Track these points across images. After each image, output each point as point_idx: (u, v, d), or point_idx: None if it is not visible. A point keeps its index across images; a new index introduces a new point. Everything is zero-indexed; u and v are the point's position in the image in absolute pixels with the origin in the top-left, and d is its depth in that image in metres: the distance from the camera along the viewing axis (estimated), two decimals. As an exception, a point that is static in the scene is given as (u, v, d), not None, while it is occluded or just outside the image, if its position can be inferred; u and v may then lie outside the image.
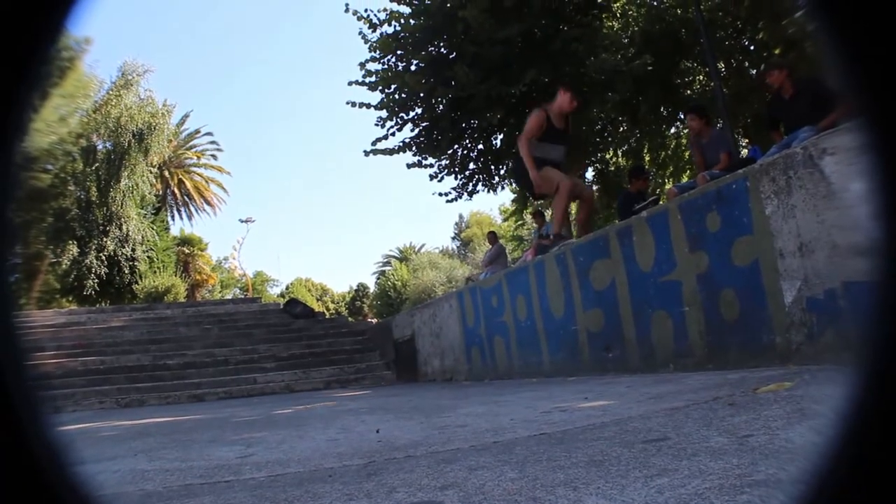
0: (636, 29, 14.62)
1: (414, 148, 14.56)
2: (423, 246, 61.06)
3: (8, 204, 0.69)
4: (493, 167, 15.38)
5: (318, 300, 58.91)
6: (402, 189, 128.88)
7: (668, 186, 15.90)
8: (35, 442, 0.62)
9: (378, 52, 14.16)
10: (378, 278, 58.55)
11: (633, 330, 6.27)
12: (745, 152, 11.77)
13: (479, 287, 9.70)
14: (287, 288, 60.24)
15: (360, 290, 64.27)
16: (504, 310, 8.71)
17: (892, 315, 0.60)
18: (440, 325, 10.76)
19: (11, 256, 0.72)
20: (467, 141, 14.77)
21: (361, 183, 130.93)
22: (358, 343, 15.09)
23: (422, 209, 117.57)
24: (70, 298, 29.42)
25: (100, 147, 29.88)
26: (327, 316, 24.65)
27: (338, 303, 63.72)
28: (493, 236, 15.36)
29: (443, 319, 10.66)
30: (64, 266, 28.34)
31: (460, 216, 61.73)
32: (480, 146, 14.91)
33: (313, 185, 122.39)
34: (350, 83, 14.27)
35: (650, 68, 13.20)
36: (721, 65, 13.76)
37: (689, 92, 15.33)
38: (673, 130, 16.99)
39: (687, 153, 16.60)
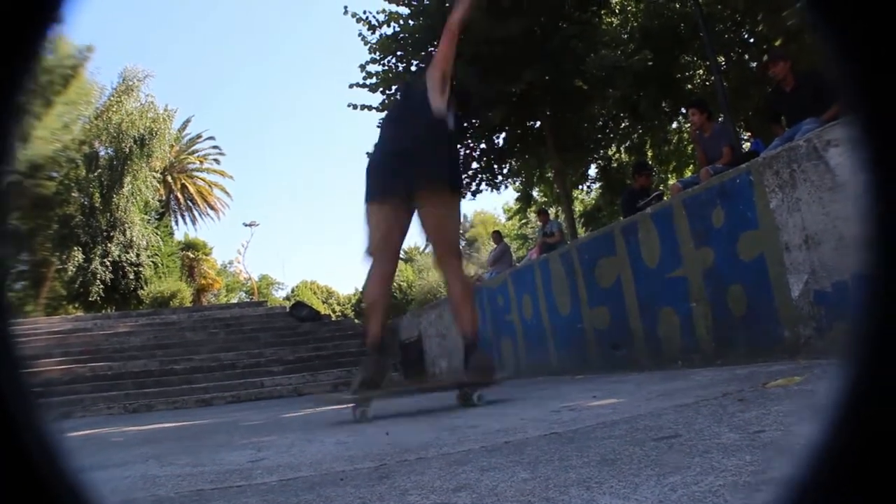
0: (635, 24, 14.63)
1: None
2: (427, 246, 61.07)
3: (3, 210, 0.68)
4: (495, 166, 15.39)
5: (323, 303, 58.91)
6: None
7: (671, 182, 15.90)
8: (34, 449, 0.61)
9: (378, 53, 14.19)
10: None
11: (641, 327, 6.28)
12: (747, 146, 11.77)
13: (485, 287, 9.69)
14: (292, 291, 60.27)
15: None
16: (510, 309, 8.71)
17: (883, 307, 0.60)
18: (447, 326, 10.74)
19: (10, 263, 0.71)
20: (469, 140, 14.78)
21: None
22: (364, 345, 15.08)
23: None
24: (76, 304, 29.50)
25: (102, 153, 29.98)
26: (333, 318, 24.68)
27: (343, 305, 63.64)
28: (497, 236, 15.36)
29: (447, 322, 10.64)
30: (69, 272, 28.41)
31: (464, 216, 61.72)
32: (483, 145, 14.92)
33: (317, 188, 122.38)
34: (351, 86, 14.31)
35: (650, 64, 13.21)
36: (721, 58, 13.75)
37: (689, 86, 15.33)
38: (675, 125, 17.00)
39: (689, 148, 16.60)
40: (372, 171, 4.93)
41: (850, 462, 0.59)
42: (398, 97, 4.96)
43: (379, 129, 5.16)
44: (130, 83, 30.40)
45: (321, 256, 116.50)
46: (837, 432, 0.60)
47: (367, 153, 5.10)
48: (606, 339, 6.86)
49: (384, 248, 4.89)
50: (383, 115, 14.26)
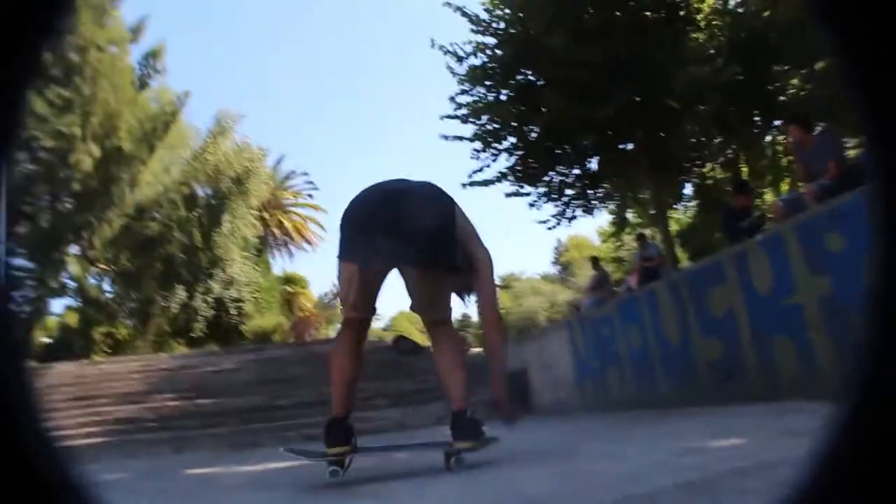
0: (722, 38, 14.30)
1: (511, 177, 14.60)
2: (522, 272, 60.67)
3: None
4: (590, 191, 15.31)
5: (421, 332, 58.95)
6: (500, 216, 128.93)
7: (767, 196, 15.48)
8: (35, 452, 0.62)
9: (467, 84, 14.32)
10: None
11: (754, 357, 6.10)
12: (854, 155, 11.32)
13: (590, 317, 9.61)
14: (390, 322, 60.66)
15: (464, 320, 63.97)
16: (616, 340, 8.59)
17: (885, 313, 0.64)
18: (551, 357, 10.67)
19: (18, 277, 0.70)
20: (563, 167, 14.74)
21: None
22: (467, 376, 15.01)
23: (519, 235, 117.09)
24: (180, 341, 30.44)
25: (200, 193, 31.06)
26: (427, 347, 24.75)
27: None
28: (595, 262, 15.24)
29: (553, 351, 10.57)
30: (173, 310, 29.36)
31: (558, 240, 60.98)
32: (576, 171, 14.86)
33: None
34: (442, 117, 14.47)
35: (740, 77, 12.92)
36: (819, 64, 13.29)
37: (782, 98, 14.86)
38: (769, 139, 16.53)
39: (786, 161, 16.11)
40: (353, 233, 4.38)
41: (850, 464, 0.61)
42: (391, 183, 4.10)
43: (364, 191, 4.50)
44: (225, 125, 31.48)
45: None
46: (839, 435, 0.63)
47: (349, 204, 4.43)
48: (717, 370, 6.69)
49: (361, 308, 4.45)
50: (475, 144, 14.40)
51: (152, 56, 30.94)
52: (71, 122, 27.63)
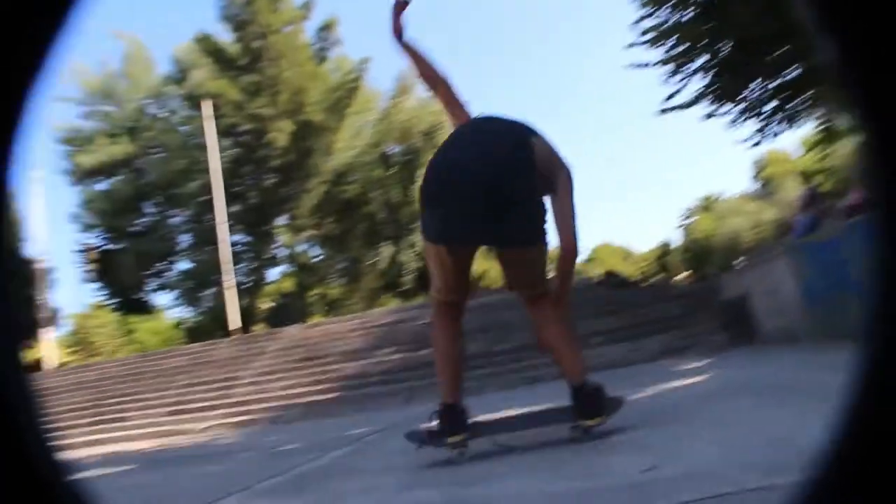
0: None
1: (708, 97, 14.07)
2: (722, 193, 58.31)
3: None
4: (792, 103, 14.49)
5: (624, 261, 58.37)
6: (693, 138, 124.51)
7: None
8: (35, 451, 0.64)
9: (650, 6, 13.88)
10: (680, 232, 57.27)
11: None
12: None
13: (817, 241, 9.15)
14: (592, 253, 60.05)
15: (664, 249, 62.44)
16: (849, 264, 8.14)
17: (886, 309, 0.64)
18: (774, 284, 10.23)
19: (15, 272, 0.73)
20: (760, 80, 14.02)
21: (646, 137, 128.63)
22: (680, 307, 14.78)
23: (712, 154, 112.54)
24: (391, 295, 31.80)
25: (393, 151, 32.18)
26: (637, 280, 24.43)
27: (642, 264, 62.16)
28: (803, 178, 14.52)
29: (777, 278, 10.12)
30: (382, 266, 30.72)
31: (757, 156, 57.95)
32: (775, 83, 14.08)
33: (591, 151, 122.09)
34: (628, 46, 14.14)
35: None
36: None
37: None
38: None
39: None
40: (434, 208, 3.92)
41: (851, 463, 0.61)
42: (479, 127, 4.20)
43: (445, 152, 4.01)
44: (407, 83, 32.30)
45: (610, 217, 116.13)
46: (843, 435, 0.63)
47: (429, 169, 3.96)
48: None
49: (455, 291, 4.15)
50: (666, 67, 13.96)
51: (326, 29, 32.30)
52: (262, 104, 29.44)
